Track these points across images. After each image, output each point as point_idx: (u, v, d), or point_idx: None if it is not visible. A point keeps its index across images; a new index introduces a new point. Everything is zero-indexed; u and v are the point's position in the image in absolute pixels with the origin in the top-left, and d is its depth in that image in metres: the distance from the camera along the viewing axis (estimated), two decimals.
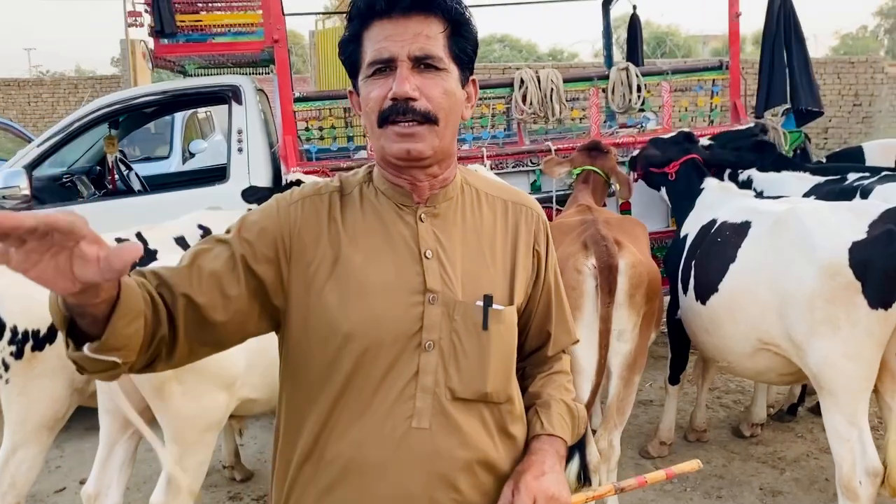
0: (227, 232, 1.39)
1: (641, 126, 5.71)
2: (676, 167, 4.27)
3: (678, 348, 4.02)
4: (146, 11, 5.33)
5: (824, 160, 5.69)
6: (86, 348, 1.12)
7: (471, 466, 1.38)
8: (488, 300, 1.39)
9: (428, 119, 1.32)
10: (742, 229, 3.37)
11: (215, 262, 1.33)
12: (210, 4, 5.57)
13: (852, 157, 5.37)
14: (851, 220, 2.93)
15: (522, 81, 5.17)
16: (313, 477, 1.37)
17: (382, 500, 1.34)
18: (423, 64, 1.31)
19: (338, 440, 1.35)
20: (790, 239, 3.07)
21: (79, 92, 18.49)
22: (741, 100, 5.49)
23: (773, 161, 4.56)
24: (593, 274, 3.17)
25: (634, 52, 7.15)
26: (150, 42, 5.43)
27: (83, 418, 3.77)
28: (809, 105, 5.37)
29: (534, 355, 1.61)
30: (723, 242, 3.42)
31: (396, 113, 1.31)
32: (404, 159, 1.35)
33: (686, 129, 4.71)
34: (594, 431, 3.35)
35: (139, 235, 3.74)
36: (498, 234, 1.47)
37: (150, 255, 3.63)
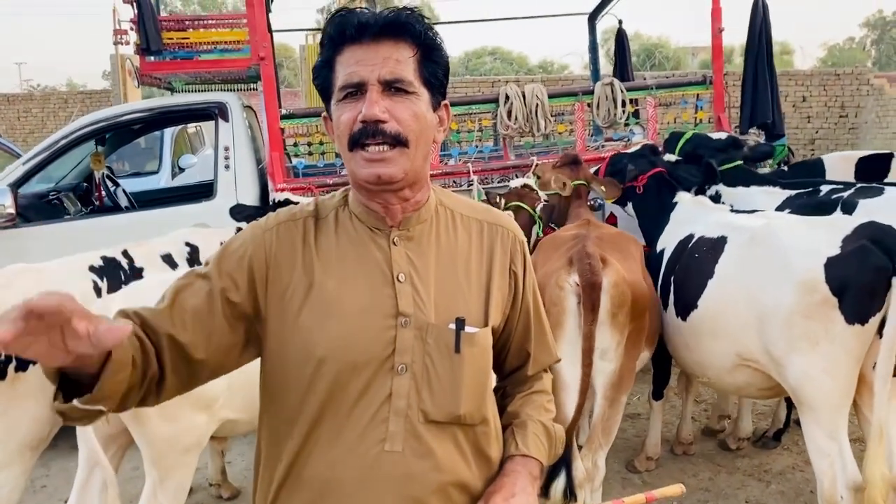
0: (207, 264, 1.42)
1: (627, 140, 5.75)
2: (644, 181, 4.25)
3: (660, 364, 4.02)
4: (132, 29, 5.35)
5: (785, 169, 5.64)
6: (76, 402, 1.17)
7: (444, 489, 1.39)
8: (460, 323, 1.40)
9: (398, 141, 1.33)
10: (718, 244, 3.38)
11: (196, 299, 1.35)
12: (197, 22, 5.59)
13: (812, 169, 5.31)
14: (826, 236, 2.95)
15: (507, 97, 5.21)
16: (290, 498, 1.38)
17: None
18: (392, 87, 1.33)
19: (314, 462, 1.36)
20: (766, 255, 3.09)
21: (69, 106, 18.49)
22: (725, 113, 5.53)
23: (742, 176, 4.55)
24: (575, 291, 3.16)
25: (623, 66, 7.20)
26: (137, 59, 5.45)
27: (69, 437, 3.72)
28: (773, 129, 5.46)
29: (514, 374, 1.62)
30: (700, 258, 3.43)
31: (366, 135, 1.32)
32: (375, 183, 1.36)
33: (650, 142, 4.71)
34: (580, 447, 3.34)
35: (125, 253, 3.73)
36: (473, 256, 1.48)
37: (136, 273, 3.63)
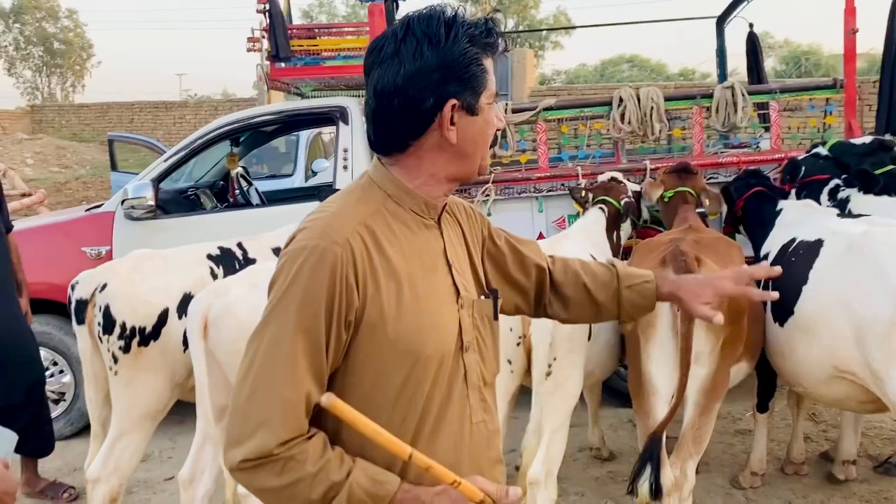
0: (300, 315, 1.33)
1: (751, 146, 5.54)
2: (741, 203, 4.22)
3: (764, 375, 3.83)
4: (263, 37, 5.71)
5: None
6: None
7: (496, 439, 1.55)
8: (495, 293, 1.56)
9: None
10: (814, 248, 3.25)
11: (318, 361, 1.35)
12: (323, 30, 5.88)
13: None
14: None
15: (621, 100, 5.13)
16: None
17: None
18: None
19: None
20: (863, 265, 2.96)
21: (219, 113, 19.81)
22: (857, 119, 5.21)
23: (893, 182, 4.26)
24: None
25: (754, 70, 6.93)
26: (268, 66, 5.81)
27: (195, 414, 4.06)
28: None
29: (550, 280, 1.83)
30: (796, 262, 3.29)
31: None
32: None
33: (753, 168, 4.60)
34: (669, 455, 3.25)
35: (240, 245, 4.00)
36: (465, 235, 1.61)
37: (249, 263, 3.87)
